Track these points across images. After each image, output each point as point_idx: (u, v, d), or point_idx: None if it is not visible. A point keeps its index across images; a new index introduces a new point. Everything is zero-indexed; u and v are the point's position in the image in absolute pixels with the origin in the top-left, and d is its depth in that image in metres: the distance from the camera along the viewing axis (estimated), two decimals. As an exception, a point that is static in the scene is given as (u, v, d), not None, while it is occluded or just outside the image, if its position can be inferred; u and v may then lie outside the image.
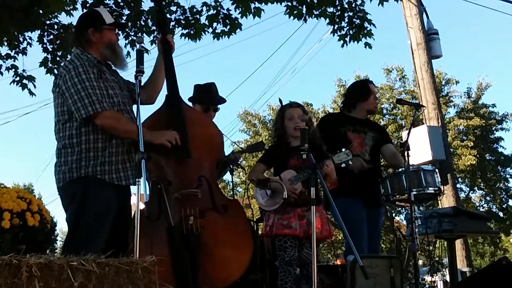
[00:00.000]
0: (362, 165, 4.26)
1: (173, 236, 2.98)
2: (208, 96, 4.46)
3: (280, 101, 3.97)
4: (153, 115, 3.43)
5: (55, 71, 6.63)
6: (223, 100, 4.57)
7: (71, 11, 6.45)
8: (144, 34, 6.36)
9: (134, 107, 3.41)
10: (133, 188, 3.25)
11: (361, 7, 6.15)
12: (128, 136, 3.11)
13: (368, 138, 4.51)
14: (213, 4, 6.24)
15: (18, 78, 6.80)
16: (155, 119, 3.36)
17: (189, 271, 2.95)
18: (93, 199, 3.06)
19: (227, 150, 4.66)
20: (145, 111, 3.35)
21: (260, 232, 4.54)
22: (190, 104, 4.39)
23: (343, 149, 3.58)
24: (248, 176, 3.92)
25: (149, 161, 2.83)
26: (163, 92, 3.53)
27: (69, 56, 6.60)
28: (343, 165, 3.53)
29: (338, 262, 4.73)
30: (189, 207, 3.10)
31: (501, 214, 18.45)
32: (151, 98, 3.54)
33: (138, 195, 2.72)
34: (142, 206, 2.86)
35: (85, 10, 6.24)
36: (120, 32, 3.73)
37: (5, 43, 6.50)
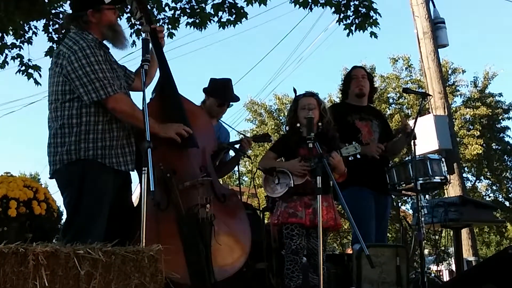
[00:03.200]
0: (378, 147, 4.26)
1: (185, 225, 2.97)
2: (224, 92, 4.37)
3: (295, 90, 3.93)
4: (150, 104, 3.33)
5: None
6: (237, 98, 4.49)
7: (77, 0, 6.43)
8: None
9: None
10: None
11: (367, -4, 6.09)
12: (136, 122, 3.04)
13: (374, 126, 4.51)
14: (218, -8, 6.21)
15: (23, 68, 6.78)
16: (152, 108, 3.26)
17: (203, 260, 2.92)
18: (92, 182, 2.98)
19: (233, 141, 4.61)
20: (137, 98, 3.23)
21: (266, 221, 4.55)
22: (203, 95, 4.39)
23: (353, 142, 3.58)
24: (258, 164, 3.94)
25: (154, 150, 2.79)
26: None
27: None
28: (350, 158, 3.54)
29: (349, 251, 4.75)
30: (197, 196, 3.09)
31: (507, 203, 18.37)
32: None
33: (144, 184, 2.71)
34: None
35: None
36: (119, 7, 3.53)
37: (11, 33, 6.49)
